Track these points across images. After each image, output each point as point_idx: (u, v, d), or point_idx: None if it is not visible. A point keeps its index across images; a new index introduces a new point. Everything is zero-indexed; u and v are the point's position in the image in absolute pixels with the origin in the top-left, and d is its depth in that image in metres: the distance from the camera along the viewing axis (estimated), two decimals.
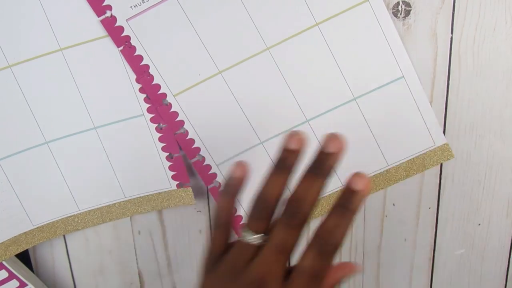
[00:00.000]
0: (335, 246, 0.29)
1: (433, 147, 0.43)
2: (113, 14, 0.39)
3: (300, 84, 0.40)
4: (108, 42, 0.39)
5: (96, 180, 0.44)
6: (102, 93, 0.41)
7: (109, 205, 0.45)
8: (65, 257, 0.48)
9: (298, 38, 0.39)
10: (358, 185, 0.29)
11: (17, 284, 0.46)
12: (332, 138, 0.29)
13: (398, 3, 0.40)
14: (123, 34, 0.39)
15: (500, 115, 0.43)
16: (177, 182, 0.44)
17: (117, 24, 0.39)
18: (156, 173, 0.43)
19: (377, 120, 0.42)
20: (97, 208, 0.45)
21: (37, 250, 0.47)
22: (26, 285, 0.46)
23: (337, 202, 0.29)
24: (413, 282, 0.49)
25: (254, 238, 0.32)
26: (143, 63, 0.40)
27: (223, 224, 0.34)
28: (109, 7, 0.38)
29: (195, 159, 0.42)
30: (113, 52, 0.40)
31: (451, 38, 0.41)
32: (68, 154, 0.43)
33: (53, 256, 0.47)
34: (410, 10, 0.40)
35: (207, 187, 0.44)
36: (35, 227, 0.45)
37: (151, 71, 0.40)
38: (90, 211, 0.45)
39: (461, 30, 0.40)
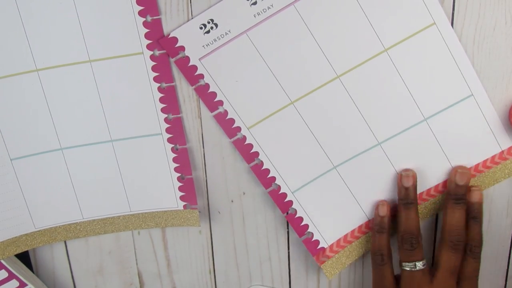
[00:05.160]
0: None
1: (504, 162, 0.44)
2: (186, 55, 0.40)
3: (371, 109, 0.42)
4: (138, 60, 0.40)
5: (104, 191, 0.44)
6: (124, 108, 0.42)
7: (113, 217, 0.45)
8: (65, 257, 0.48)
9: (368, 64, 0.40)
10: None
11: (17, 284, 0.46)
12: (463, 173, 0.42)
13: None
14: (196, 73, 0.41)
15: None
16: (185, 203, 0.44)
17: (190, 64, 0.40)
18: (165, 192, 0.44)
19: (447, 138, 0.43)
20: (101, 219, 0.45)
21: (37, 250, 0.47)
22: (26, 285, 0.46)
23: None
24: None
25: (420, 265, 0.42)
26: (217, 99, 0.42)
27: (386, 258, 0.44)
28: (182, 48, 0.40)
29: (271, 188, 0.44)
30: (141, 70, 0.41)
31: None
32: (80, 163, 0.43)
33: (53, 256, 0.47)
34: None
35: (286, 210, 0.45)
36: (37, 230, 0.45)
37: (225, 106, 0.42)
38: (93, 220, 0.45)
39: (460, 30, 0.40)
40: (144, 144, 0.43)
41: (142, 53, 0.41)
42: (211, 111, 0.42)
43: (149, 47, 0.40)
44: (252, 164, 0.43)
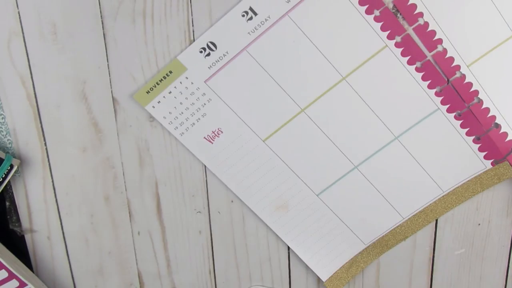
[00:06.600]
0: None
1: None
2: None
3: None
4: (386, 54, 0.41)
5: (411, 185, 0.45)
6: (393, 104, 0.42)
7: (429, 204, 0.46)
8: (65, 257, 0.48)
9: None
10: None
11: (17, 284, 0.46)
12: None
13: None
14: (416, 12, 0.40)
15: None
16: (491, 160, 0.44)
17: (410, 2, 0.40)
18: (467, 159, 0.44)
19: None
20: (420, 211, 0.46)
21: (37, 250, 0.47)
22: (26, 285, 0.46)
23: None
24: (413, 282, 0.49)
25: None
26: (436, 37, 0.40)
27: None
28: None
29: (491, 128, 0.43)
30: (392, 61, 0.41)
31: None
32: (378, 171, 0.44)
33: (53, 256, 0.47)
34: None
35: (503, 157, 0.44)
36: (367, 245, 0.47)
37: (444, 44, 0.41)
38: (413, 216, 0.46)
39: None
40: (427, 126, 0.43)
41: (386, 46, 0.41)
42: (430, 51, 0.41)
43: (389, 37, 0.41)
44: (471, 103, 0.42)
